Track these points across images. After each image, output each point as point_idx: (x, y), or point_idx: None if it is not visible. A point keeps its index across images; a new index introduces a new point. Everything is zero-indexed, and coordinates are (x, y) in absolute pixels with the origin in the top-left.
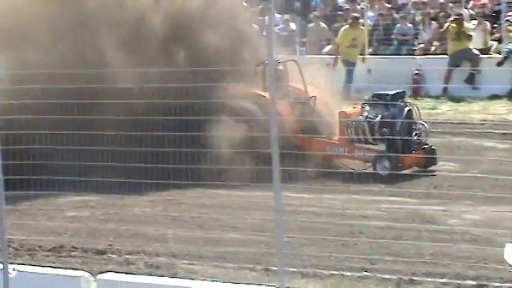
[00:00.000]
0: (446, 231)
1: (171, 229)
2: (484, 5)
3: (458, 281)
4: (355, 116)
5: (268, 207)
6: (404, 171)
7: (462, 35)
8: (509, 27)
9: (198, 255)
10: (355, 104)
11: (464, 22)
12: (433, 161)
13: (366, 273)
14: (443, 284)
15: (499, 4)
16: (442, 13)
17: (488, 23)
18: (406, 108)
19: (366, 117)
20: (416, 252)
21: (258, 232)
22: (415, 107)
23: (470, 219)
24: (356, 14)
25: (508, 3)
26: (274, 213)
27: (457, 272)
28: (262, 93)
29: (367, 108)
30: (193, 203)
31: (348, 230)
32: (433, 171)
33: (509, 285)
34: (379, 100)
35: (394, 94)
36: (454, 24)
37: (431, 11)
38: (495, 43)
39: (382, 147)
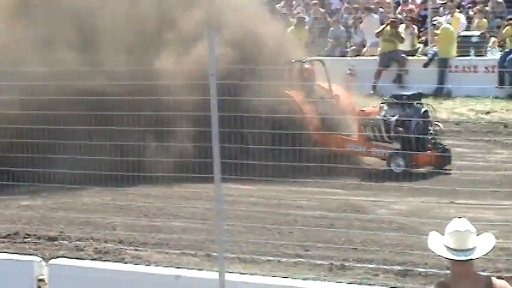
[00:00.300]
0: (375, 220)
1: (119, 217)
2: (411, 10)
3: (386, 267)
4: (374, 115)
5: (210, 197)
6: (418, 170)
7: (396, 37)
8: (435, 31)
9: (143, 242)
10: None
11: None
12: (447, 161)
13: (300, 259)
14: (372, 269)
15: (425, 9)
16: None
17: (415, 27)
18: (423, 109)
19: (384, 116)
20: (347, 240)
21: (199, 220)
22: (431, 108)
23: (397, 209)
24: (301, 15)
25: (433, 8)
26: (214, 202)
27: (384, 258)
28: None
29: (385, 107)
30: (139, 193)
31: (284, 219)
32: (449, 169)
33: (434, 270)
34: (397, 100)
35: (410, 95)
36: (389, 28)
37: (363, 15)
38: (421, 46)
39: (396, 145)
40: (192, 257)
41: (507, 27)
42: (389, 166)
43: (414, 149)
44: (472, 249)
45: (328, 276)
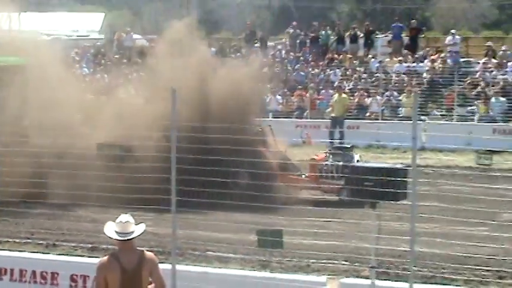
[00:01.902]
0: None
1: None
2: None
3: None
4: (322, 160)
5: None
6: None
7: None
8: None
9: None
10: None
11: None
12: None
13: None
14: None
15: None
16: None
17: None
18: (356, 156)
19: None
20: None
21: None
22: (360, 156)
23: None
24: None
25: None
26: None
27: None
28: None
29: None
30: None
31: None
32: None
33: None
34: (339, 150)
35: (349, 147)
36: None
37: None
38: None
39: (341, 182)
40: None
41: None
42: (339, 196)
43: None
44: (130, 233)
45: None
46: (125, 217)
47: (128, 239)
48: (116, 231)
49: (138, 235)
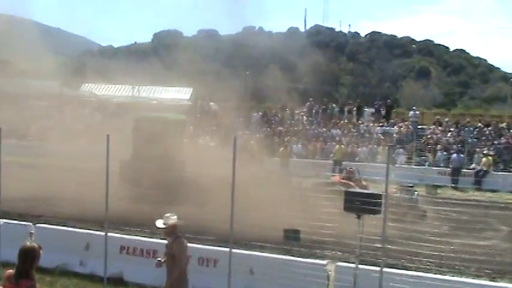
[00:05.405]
0: None
1: None
2: None
3: None
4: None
5: None
6: None
7: None
8: None
9: None
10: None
11: None
12: None
13: None
14: None
15: None
16: None
17: None
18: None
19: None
20: None
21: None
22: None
23: None
24: None
25: None
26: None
27: None
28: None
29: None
30: None
31: None
32: None
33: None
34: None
35: (411, 186)
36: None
37: None
38: None
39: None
40: None
41: None
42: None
43: None
44: (167, 224)
45: None
46: (169, 214)
47: (164, 227)
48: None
49: (170, 225)
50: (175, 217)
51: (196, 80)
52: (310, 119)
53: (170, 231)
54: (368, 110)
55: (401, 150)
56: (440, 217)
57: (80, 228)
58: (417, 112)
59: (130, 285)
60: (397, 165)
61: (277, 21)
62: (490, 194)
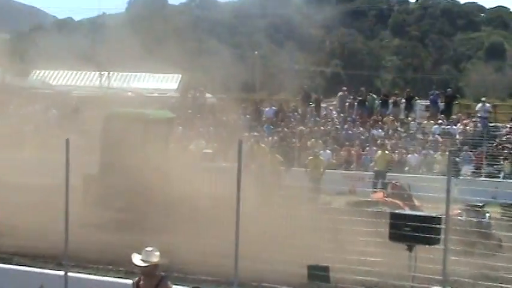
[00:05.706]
0: None
1: None
2: None
3: None
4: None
5: None
6: None
7: None
8: None
9: None
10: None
11: None
12: None
13: None
14: None
15: None
16: None
17: None
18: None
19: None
20: None
21: None
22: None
23: None
24: None
25: None
26: None
27: None
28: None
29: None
30: None
31: None
32: None
33: None
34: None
35: (481, 205)
36: None
37: None
38: None
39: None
40: None
41: None
42: None
43: None
44: (148, 261)
45: None
46: (150, 249)
47: (146, 266)
48: (141, 259)
49: (154, 263)
50: (158, 253)
51: (187, 64)
52: (342, 115)
53: (151, 271)
54: (421, 103)
55: (467, 156)
56: None
57: (31, 266)
58: (488, 105)
59: None
60: (461, 177)
61: None
62: None
